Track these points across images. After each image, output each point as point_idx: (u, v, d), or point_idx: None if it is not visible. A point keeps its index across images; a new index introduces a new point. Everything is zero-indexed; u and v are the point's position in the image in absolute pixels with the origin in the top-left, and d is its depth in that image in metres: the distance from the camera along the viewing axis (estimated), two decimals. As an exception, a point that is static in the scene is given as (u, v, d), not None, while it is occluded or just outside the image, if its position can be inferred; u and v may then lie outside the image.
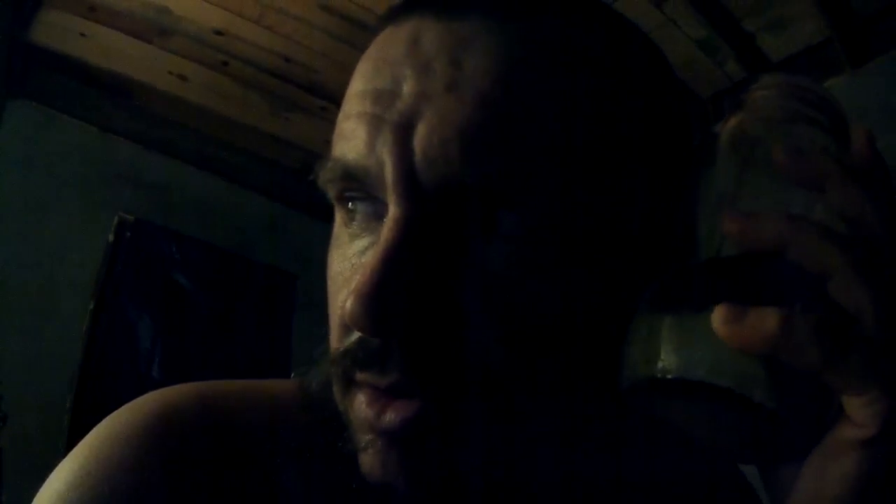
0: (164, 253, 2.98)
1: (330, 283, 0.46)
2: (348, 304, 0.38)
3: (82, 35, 2.74)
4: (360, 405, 0.41)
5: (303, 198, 3.20)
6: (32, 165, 2.78)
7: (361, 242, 0.44)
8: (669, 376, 0.36)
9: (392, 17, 0.45)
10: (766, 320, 0.34)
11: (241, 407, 0.49)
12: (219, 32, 2.67)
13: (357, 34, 2.52)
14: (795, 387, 0.35)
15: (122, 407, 0.48)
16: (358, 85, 0.44)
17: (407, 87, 0.41)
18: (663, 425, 0.40)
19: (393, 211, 0.40)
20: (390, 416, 0.40)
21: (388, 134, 0.41)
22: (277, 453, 0.47)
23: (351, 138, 0.43)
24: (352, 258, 0.44)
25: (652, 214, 0.44)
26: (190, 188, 3.14)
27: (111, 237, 2.87)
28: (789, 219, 0.37)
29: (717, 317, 0.35)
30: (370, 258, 0.39)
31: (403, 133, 0.40)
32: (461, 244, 0.41)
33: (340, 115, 0.45)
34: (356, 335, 0.41)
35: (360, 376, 0.41)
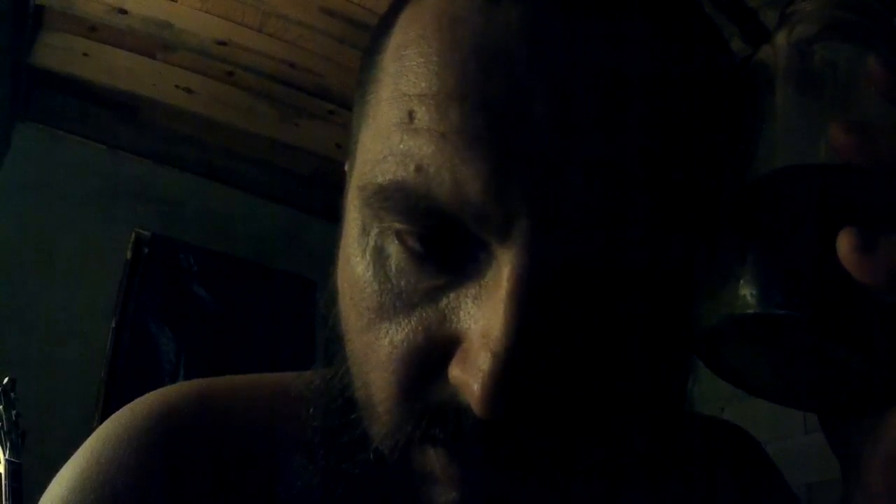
0: (183, 266, 2.99)
1: (363, 302, 0.38)
2: (478, 393, 0.31)
3: (85, 55, 2.75)
4: (440, 462, 0.36)
5: (317, 203, 3.21)
6: (43, 188, 2.80)
7: (432, 280, 0.36)
8: (767, 311, 0.31)
9: None
10: None
11: (242, 405, 0.49)
12: (222, 43, 2.67)
13: (360, 35, 2.51)
14: (890, 331, 0.31)
15: (123, 408, 0.48)
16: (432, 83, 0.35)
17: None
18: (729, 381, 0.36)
19: (518, 260, 0.33)
20: (480, 480, 0.36)
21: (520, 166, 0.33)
22: (279, 451, 0.46)
23: (446, 167, 0.34)
24: (415, 294, 0.36)
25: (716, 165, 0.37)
26: (203, 200, 3.14)
27: (129, 254, 2.88)
28: None
29: (845, 244, 0.30)
30: (497, 331, 0.32)
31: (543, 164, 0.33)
32: (582, 281, 0.34)
33: (398, 125, 0.36)
34: (443, 390, 0.35)
35: (443, 435, 0.35)
